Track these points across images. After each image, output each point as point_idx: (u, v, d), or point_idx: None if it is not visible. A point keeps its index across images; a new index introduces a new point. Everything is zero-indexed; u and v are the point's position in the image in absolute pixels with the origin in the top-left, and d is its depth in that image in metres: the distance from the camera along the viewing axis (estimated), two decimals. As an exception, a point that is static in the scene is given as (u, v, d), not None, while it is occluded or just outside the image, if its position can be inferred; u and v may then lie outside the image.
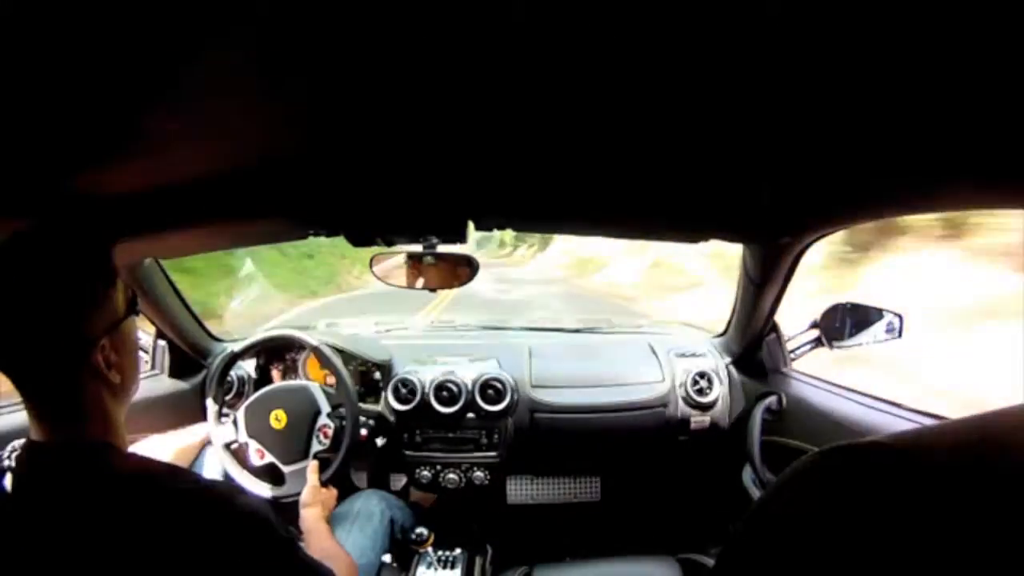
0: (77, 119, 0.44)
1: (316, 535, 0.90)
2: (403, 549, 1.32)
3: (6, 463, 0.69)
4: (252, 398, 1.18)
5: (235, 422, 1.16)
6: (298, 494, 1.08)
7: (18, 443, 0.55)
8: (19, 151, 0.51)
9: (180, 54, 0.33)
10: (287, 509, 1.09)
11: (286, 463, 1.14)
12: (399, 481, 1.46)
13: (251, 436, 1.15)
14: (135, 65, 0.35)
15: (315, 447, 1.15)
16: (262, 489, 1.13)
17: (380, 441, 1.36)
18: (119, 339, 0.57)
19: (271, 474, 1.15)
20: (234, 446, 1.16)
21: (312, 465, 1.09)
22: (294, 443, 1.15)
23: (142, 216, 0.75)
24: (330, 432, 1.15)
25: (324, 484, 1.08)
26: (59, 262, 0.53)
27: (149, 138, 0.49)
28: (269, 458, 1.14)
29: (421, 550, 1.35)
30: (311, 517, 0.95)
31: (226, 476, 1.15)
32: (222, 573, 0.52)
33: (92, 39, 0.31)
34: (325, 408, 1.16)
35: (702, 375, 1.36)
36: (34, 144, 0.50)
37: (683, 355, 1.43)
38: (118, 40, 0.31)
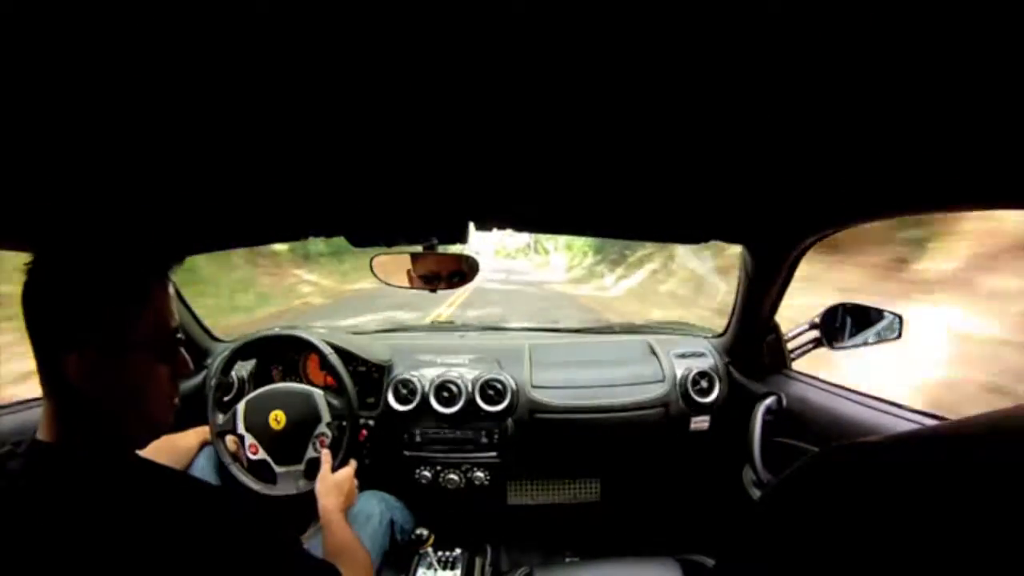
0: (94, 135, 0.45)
1: (332, 526, 0.89)
2: (403, 550, 1.32)
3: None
4: (255, 393, 1.18)
5: (234, 413, 1.16)
6: (289, 496, 1.08)
7: (17, 441, 0.55)
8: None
9: (183, 60, 0.33)
10: (285, 509, 1.09)
11: (279, 464, 1.15)
12: (399, 482, 1.46)
13: (248, 430, 1.15)
14: (148, 76, 0.35)
15: (310, 453, 1.15)
16: (252, 484, 1.14)
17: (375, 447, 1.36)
18: (116, 362, 0.55)
19: (262, 471, 1.15)
20: (229, 437, 1.16)
21: (325, 455, 1.09)
22: (289, 446, 1.15)
23: (147, 219, 0.75)
24: (327, 441, 1.15)
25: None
26: (107, 266, 0.54)
27: (157, 143, 0.49)
28: (262, 455, 1.14)
29: (421, 550, 1.35)
30: (327, 508, 0.94)
31: (220, 469, 1.16)
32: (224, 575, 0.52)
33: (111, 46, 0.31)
34: (326, 418, 1.16)
35: (702, 375, 1.36)
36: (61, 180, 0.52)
37: (683, 355, 1.43)
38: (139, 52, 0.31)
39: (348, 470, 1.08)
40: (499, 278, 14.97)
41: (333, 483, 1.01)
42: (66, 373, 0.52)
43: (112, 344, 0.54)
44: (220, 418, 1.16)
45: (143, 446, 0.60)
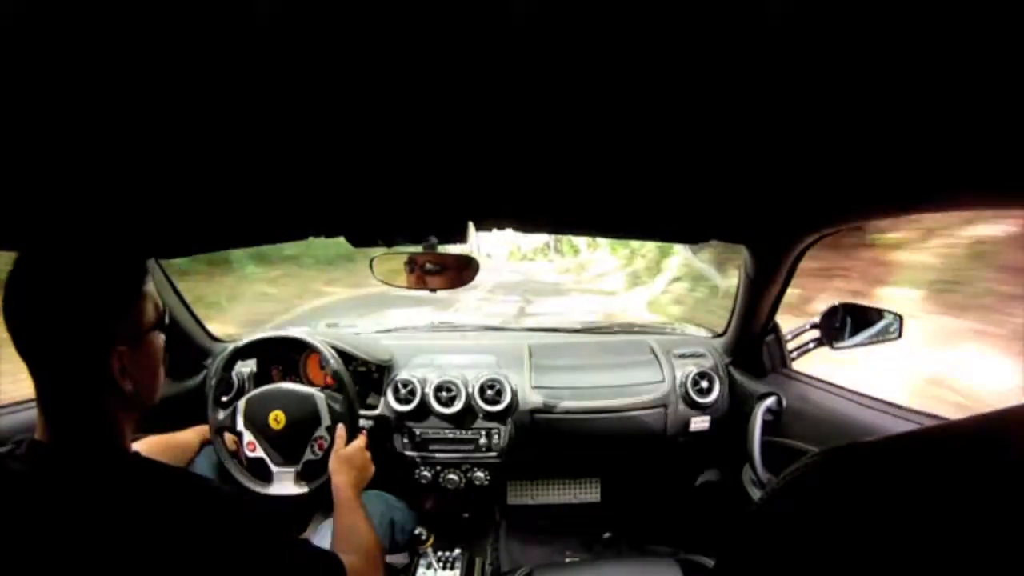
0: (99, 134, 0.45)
1: (343, 505, 0.88)
2: (403, 550, 1.32)
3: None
4: (256, 391, 1.18)
5: (234, 410, 1.16)
6: (286, 496, 1.07)
7: (19, 439, 0.55)
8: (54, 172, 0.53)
9: (183, 61, 0.33)
10: (284, 507, 1.09)
11: (276, 464, 1.15)
12: (399, 482, 1.46)
13: (247, 428, 1.15)
14: (151, 78, 0.35)
15: (308, 456, 1.15)
16: (248, 482, 1.14)
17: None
18: (141, 350, 0.58)
19: (259, 470, 1.16)
20: (228, 434, 1.16)
21: (339, 431, 1.08)
22: (288, 446, 1.15)
23: (146, 218, 0.75)
24: (325, 445, 1.15)
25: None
26: (89, 269, 0.55)
27: (157, 143, 0.49)
28: (260, 453, 1.15)
29: (421, 550, 1.35)
30: (338, 485, 0.92)
31: (220, 469, 1.16)
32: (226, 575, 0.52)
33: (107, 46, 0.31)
34: (325, 421, 1.16)
35: (702, 375, 1.37)
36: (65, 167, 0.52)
37: (683, 355, 1.43)
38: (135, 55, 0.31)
39: (358, 443, 1.05)
40: (508, 312, 6.84)
41: (344, 458, 0.99)
42: (110, 369, 0.55)
43: (137, 333, 0.58)
44: (220, 415, 1.17)
45: (141, 420, 0.62)
